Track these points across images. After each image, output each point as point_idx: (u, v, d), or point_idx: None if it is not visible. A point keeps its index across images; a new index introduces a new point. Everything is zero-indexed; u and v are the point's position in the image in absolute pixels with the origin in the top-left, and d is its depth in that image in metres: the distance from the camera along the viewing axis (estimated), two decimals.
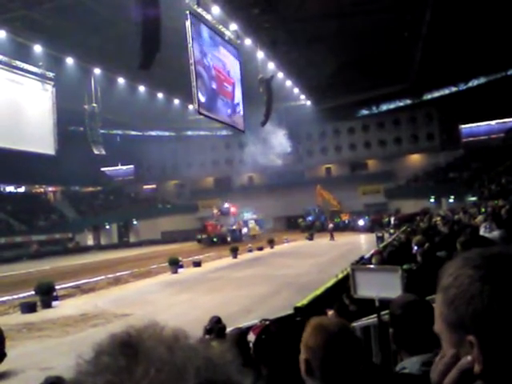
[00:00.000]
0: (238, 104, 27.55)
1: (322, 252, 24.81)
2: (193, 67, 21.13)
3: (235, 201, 47.80)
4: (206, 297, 13.73)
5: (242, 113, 28.29)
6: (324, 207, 48.56)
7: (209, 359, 0.50)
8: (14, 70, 29.14)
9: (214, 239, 38.48)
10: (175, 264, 20.97)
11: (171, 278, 19.50)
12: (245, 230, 43.23)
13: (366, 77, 41.12)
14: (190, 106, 46.44)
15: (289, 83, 42.20)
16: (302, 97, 48.57)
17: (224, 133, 54.63)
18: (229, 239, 39.15)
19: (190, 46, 21.14)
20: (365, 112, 56.20)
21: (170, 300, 13.83)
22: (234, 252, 25.49)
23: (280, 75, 38.43)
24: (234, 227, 42.31)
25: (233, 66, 27.28)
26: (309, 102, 49.95)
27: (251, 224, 45.10)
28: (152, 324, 0.54)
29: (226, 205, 44.74)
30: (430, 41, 32.73)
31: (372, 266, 6.95)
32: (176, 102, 46.72)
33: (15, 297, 15.38)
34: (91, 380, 0.47)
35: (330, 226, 36.36)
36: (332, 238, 33.78)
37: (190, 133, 58.39)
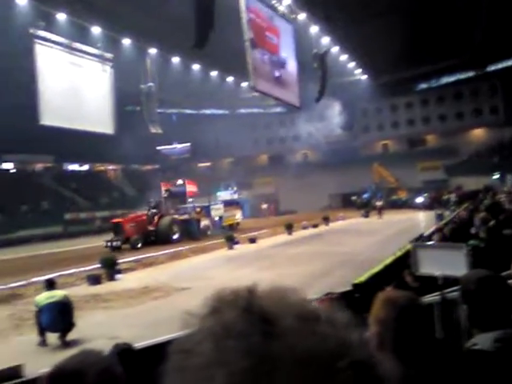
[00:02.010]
0: (290, 83, 27.20)
1: (378, 229, 24.43)
2: (247, 44, 21.06)
3: (289, 179, 47.45)
4: (263, 273, 13.87)
5: (296, 89, 28.01)
6: (381, 184, 47.58)
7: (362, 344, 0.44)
8: (75, 53, 30.18)
9: (139, 244, 23.24)
10: (231, 240, 21.35)
11: (227, 253, 19.86)
12: (215, 219, 29.76)
13: (426, 49, 39.38)
14: (244, 84, 46.48)
15: (344, 58, 41.21)
16: (358, 71, 47.34)
17: (278, 110, 54.33)
18: (175, 237, 25.08)
19: (243, 21, 21.04)
20: (423, 86, 54.11)
21: (227, 275, 14.08)
22: (289, 229, 25.61)
23: (335, 50, 37.58)
24: (187, 216, 27.22)
25: (285, 41, 26.96)
26: (365, 77, 48.62)
27: (216, 210, 30.43)
28: (275, 289, 0.47)
29: (180, 181, 30.17)
30: (493, 9, 30.82)
31: (435, 244, 6.77)
32: (230, 79, 46.85)
33: (82, 269, 16.17)
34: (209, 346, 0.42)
35: (378, 203, 35.49)
36: (380, 215, 33.07)
37: (243, 111, 58.50)
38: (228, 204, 32.69)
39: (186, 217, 27.04)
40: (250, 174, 56.15)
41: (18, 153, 45.38)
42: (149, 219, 25.21)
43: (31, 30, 26.93)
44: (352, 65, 44.20)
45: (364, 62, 43.08)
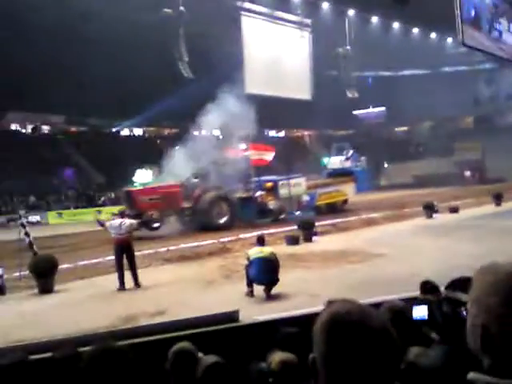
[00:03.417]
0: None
1: None
2: None
3: (498, 143, 42.45)
4: (464, 244, 12.84)
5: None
6: None
7: None
8: (276, 21, 31.41)
9: (156, 224, 18.38)
10: (430, 209, 20.23)
11: (425, 222, 18.92)
12: (306, 199, 22.46)
13: None
14: (449, 40, 42.69)
15: None
16: None
17: (488, 66, 48.74)
18: (222, 220, 19.28)
19: None
20: None
21: (425, 244, 13.44)
22: (497, 199, 23.15)
23: None
24: (247, 194, 20.73)
25: None
26: None
27: (294, 186, 22.11)
28: None
29: (243, 146, 21.67)
30: None
31: None
32: (433, 36, 43.53)
33: (280, 230, 17.29)
34: None
35: None
36: None
37: (447, 69, 53.91)
38: (335, 175, 25.80)
39: (243, 194, 20.58)
40: (451, 138, 51.99)
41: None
42: (186, 192, 19.06)
43: (238, 3, 28.82)
44: None
45: None
